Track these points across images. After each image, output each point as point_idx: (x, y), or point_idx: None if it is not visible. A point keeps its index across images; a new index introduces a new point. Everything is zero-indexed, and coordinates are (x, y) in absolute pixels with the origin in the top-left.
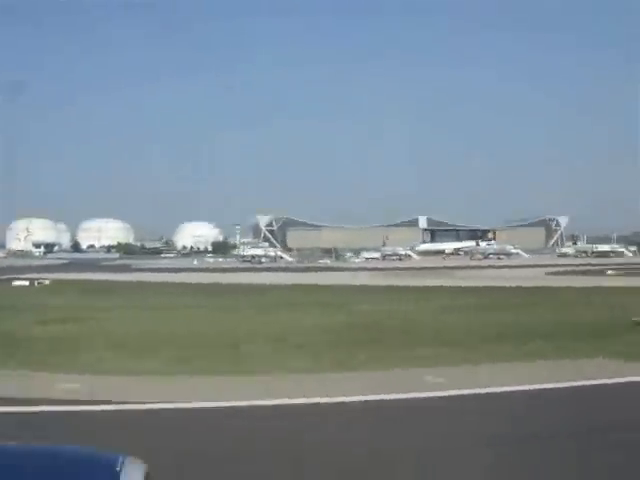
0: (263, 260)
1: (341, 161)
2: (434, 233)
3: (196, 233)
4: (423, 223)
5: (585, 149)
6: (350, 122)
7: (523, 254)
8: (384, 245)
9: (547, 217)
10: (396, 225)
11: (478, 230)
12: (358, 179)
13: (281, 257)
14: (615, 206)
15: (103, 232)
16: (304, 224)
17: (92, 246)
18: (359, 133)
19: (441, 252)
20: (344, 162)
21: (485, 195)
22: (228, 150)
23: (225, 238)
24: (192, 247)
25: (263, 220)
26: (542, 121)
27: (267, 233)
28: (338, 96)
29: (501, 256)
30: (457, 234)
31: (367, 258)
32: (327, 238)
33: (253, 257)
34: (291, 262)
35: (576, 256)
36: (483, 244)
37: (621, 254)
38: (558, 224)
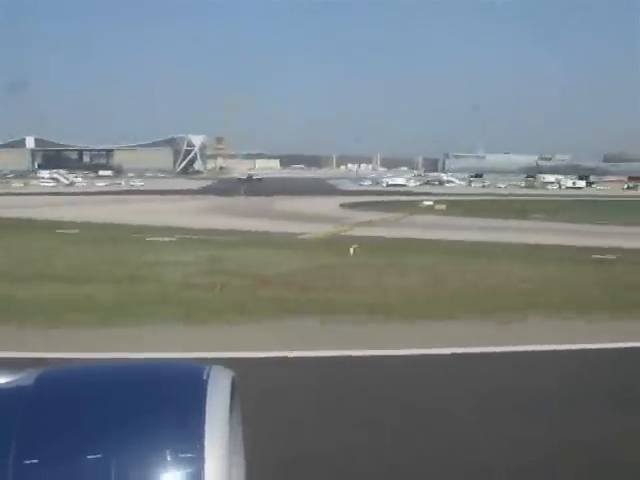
0: None
1: None
2: (46, 155)
3: None
4: (31, 143)
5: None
6: None
7: None
8: None
9: (176, 136)
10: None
11: (95, 150)
12: None
13: None
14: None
15: None
16: None
17: None
18: None
19: None
20: None
21: (103, 113)
22: None
23: None
24: None
25: None
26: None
27: None
28: None
29: None
30: (74, 155)
31: None
32: None
33: None
34: None
35: None
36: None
37: None
38: (191, 144)
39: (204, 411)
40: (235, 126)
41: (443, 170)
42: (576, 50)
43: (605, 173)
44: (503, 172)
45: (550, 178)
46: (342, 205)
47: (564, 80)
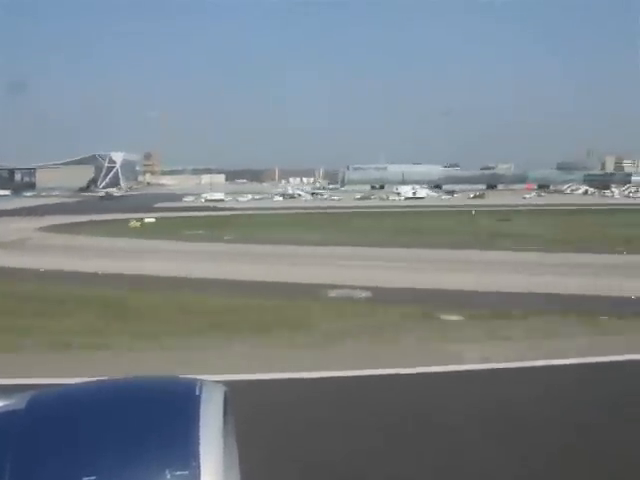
0: None
1: None
2: None
3: None
4: None
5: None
6: None
7: None
8: None
9: (98, 154)
10: None
11: (25, 169)
12: None
13: None
14: None
15: None
16: None
17: None
18: None
19: None
20: None
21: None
22: None
23: None
24: None
25: None
26: None
27: None
28: None
29: None
30: (4, 174)
31: None
32: None
33: None
34: None
35: None
36: None
37: None
38: (112, 161)
39: (198, 427)
40: (184, 142)
41: (343, 182)
42: (564, 48)
43: (516, 182)
44: (410, 183)
45: (405, 188)
46: (44, 227)
47: (520, 92)
